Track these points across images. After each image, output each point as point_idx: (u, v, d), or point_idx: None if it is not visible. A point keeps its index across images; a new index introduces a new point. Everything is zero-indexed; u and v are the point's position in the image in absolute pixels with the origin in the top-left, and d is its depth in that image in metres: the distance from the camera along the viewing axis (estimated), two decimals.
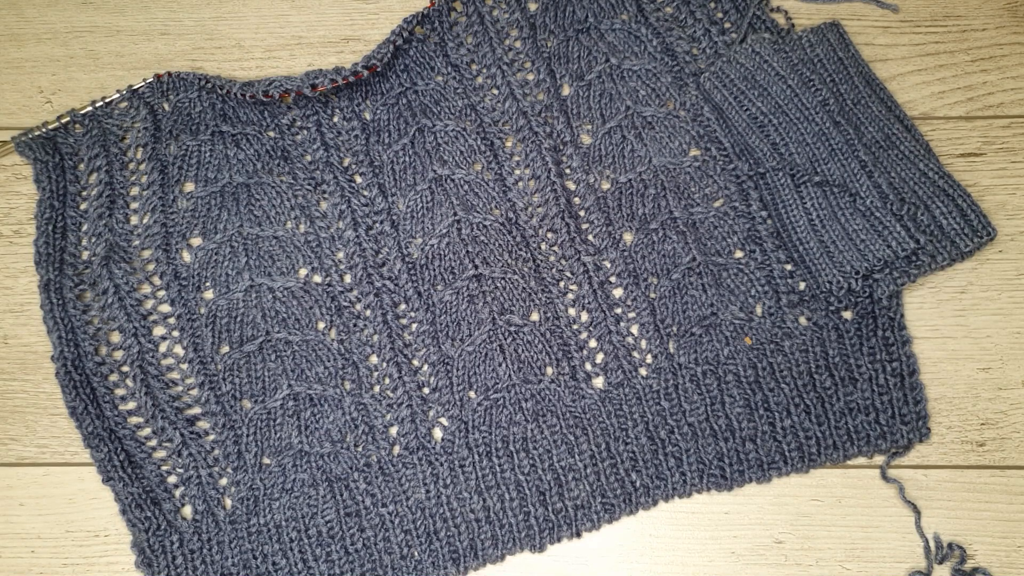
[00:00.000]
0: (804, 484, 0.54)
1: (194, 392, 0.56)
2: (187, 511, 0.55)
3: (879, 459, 0.55)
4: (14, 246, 0.60)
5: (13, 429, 0.56)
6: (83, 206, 0.60)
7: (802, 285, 0.57)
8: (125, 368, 0.56)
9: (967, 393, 0.55)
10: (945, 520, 0.53)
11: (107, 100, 0.62)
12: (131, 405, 0.56)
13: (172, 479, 0.55)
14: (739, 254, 0.58)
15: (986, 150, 0.60)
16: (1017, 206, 0.59)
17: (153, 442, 0.55)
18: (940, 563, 0.52)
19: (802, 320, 0.56)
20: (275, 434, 0.55)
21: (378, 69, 0.61)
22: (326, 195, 0.60)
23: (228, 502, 0.55)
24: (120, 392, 0.56)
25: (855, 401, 0.55)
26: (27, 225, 0.61)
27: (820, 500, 0.54)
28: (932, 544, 0.53)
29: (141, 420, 0.55)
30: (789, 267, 0.57)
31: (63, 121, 0.61)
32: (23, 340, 0.58)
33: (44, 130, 0.61)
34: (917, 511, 0.53)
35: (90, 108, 0.61)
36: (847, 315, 0.56)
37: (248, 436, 0.55)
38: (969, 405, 0.55)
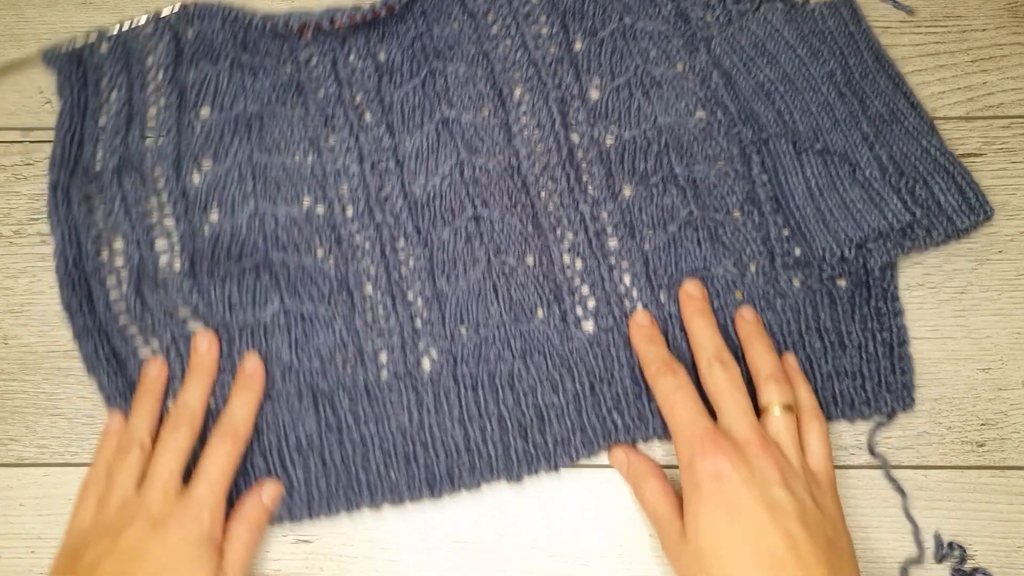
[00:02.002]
0: None
1: (187, 299, 0.57)
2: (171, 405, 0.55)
3: (879, 460, 0.55)
4: (14, 246, 0.60)
5: (13, 429, 0.56)
6: (101, 121, 0.62)
7: (798, 251, 0.57)
8: (124, 274, 0.58)
9: (967, 393, 0.55)
10: (945, 520, 0.53)
11: (134, 23, 0.64)
12: (123, 306, 0.57)
13: None
14: (737, 214, 0.58)
15: (986, 150, 0.60)
16: (1017, 206, 0.59)
17: (139, 340, 0.56)
18: (940, 562, 0.52)
19: (795, 282, 0.57)
20: (266, 346, 0.56)
21: (395, 11, 0.62)
22: (335, 130, 0.62)
23: (211, 402, 0.55)
24: (114, 295, 0.57)
25: (842, 366, 0.55)
26: (27, 225, 0.61)
27: None
28: (932, 542, 0.53)
29: (131, 320, 0.57)
30: (786, 232, 0.58)
31: (90, 39, 0.63)
32: (23, 340, 0.58)
33: (71, 46, 0.63)
34: (903, 493, 0.53)
35: (117, 29, 0.63)
36: (841, 283, 0.56)
37: (238, 345, 0.56)
38: (969, 405, 0.55)
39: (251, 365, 0.54)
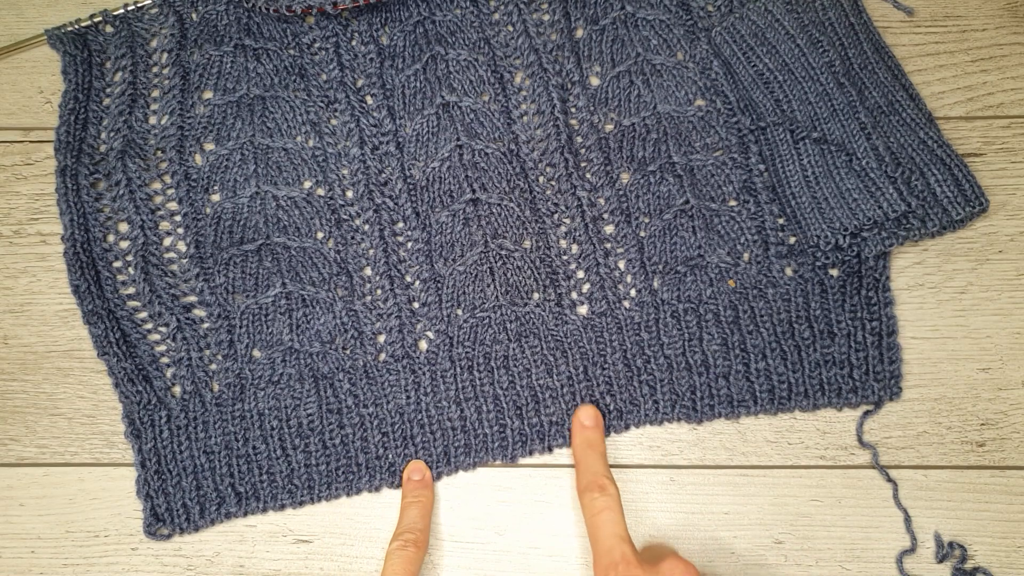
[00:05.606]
0: (804, 484, 0.54)
1: (192, 283, 0.58)
2: (177, 390, 0.56)
3: (868, 449, 0.55)
4: (14, 246, 0.60)
5: (13, 429, 0.57)
6: (106, 102, 0.63)
7: (792, 240, 0.58)
8: (129, 257, 0.58)
9: (967, 393, 0.55)
10: (945, 520, 0.53)
11: (139, 4, 0.64)
12: (131, 290, 0.58)
13: (165, 360, 0.57)
14: (733, 203, 0.59)
15: (986, 150, 0.60)
16: (1017, 206, 0.59)
17: (149, 325, 0.57)
18: (941, 562, 0.52)
19: (788, 271, 0.57)
20: (267, 329, 0.57)
21: None
22: (337, 113, 0.62)
23: (216, 386, 0.57)
24: (122, 278, 0.58)
25: (831, 354, 0.55)
26: (27, 225, 0.61)
27: (820, 500, 0.54)
28: (933, 542, 0.53)
29: (139, 304, 0.57)
30: (781, 221, 0.58)
31: (95, 20, 0.64)
32: (23, 340, 0.58)
33: (76, 26, 0.63)
34: (894, 482, 0.53)
35: (122, 10, 0.64)
36: (834, 272, 0.57)
37: (241, 329, 0.57)
38: (969, 405, 0.55)
39: (418, 474, 0.54)
